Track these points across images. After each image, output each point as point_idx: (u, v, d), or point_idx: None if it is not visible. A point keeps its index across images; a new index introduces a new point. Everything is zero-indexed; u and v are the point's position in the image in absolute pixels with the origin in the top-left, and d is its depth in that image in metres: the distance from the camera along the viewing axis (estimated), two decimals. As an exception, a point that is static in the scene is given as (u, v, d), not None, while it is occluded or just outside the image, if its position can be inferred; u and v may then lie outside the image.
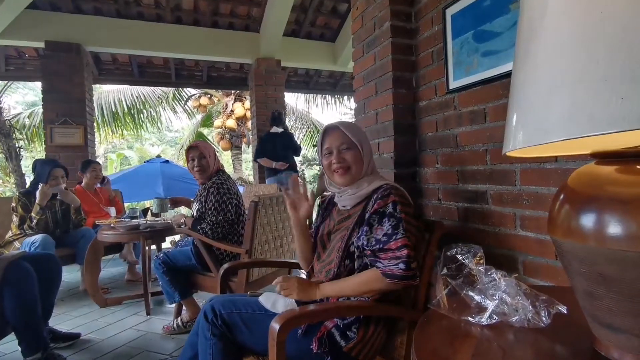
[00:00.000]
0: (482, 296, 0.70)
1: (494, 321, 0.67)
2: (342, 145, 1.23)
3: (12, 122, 6.99)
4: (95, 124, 5.25)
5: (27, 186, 6.44)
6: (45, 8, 4.19)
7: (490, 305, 0.67)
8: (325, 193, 1.68)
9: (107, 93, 8.36)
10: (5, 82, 6.61)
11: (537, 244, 1.18)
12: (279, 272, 2.33)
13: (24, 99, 15.23)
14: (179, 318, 2.24)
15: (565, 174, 1.08)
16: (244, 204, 2.40)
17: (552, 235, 0.60)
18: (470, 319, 0.68)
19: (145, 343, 2.11)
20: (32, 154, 10.30)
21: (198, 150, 2.25)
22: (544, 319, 0.65)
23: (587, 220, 0.53)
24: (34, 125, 7.62)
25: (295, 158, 4.61)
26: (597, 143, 0.62)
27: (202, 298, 2.56)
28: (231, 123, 8.21)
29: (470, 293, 0.71)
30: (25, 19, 3.97)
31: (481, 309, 0.70)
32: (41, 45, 4.21)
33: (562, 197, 0.60)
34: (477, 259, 0.72)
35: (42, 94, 4.25)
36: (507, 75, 1.25)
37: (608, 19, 0.45)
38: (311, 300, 1.16)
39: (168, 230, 2.68)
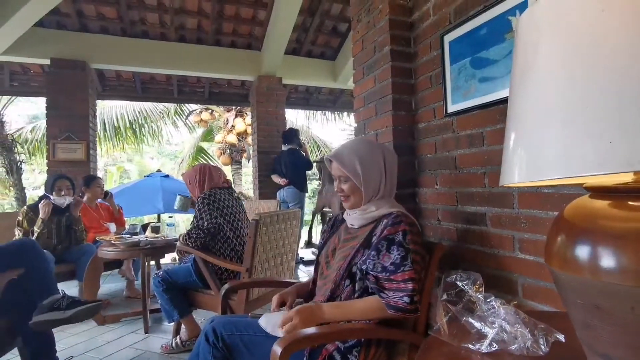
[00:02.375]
0: (482, 323, 0.71)
1: (493, 349, 0.68)
2: (340, 177, 1.27)
3: (14, 136, 7.04)
4: (97, 139, 5.30)
5: (27, 200, 6.44)
6: (52, 26, 4.29)
7: (490, 332, 0.68)
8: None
9: (109, 108, 8.45)
10: (9, 97, 6.69)
11: (536, 267, 1.20)
12: (277, 290, 2.32)
13: (25, 111, 15.36)
14: (177, 337, 2.23)
15: (563, 199, 1.11)
16: (246, 219, 2.42)
17: (549, 265, 0.62)
18: (470, 346, 0.69)
19: (144, 362, 2.09)
20: (32, 167, 10.34)
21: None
22: (543, 347, 0.66)
23: (582, 253, 0.55)
24: (36, 140, 7.67)
25: (307, 173, 4.75)
26: (590, 177, 0.64)
27: (200, 316, 2.55)
28: (232, 138, 8.28)
29: (470, 320, 0.72)
30: (32, 36, 4.05)
31: (481, 336, 0.71)
32: (47, 62, 4.29)
33: (558, 228, 0.62)
34: (477, 286, 0.73)
35: (46, 110, 4.30)
36: (504, 101, 1.29)
37: (597, 65, 0.48)
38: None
39: (168, 247, 2.68)
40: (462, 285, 0.76)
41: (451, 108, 1.55)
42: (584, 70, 0.49)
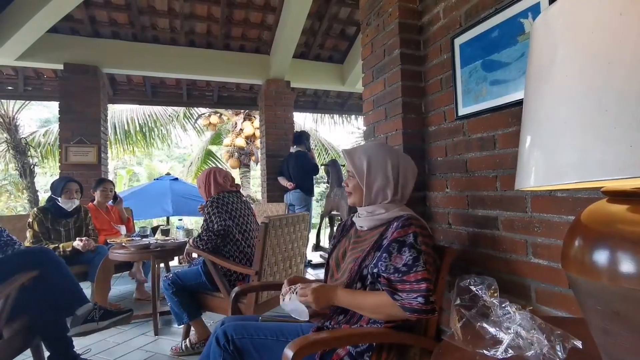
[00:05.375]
0: (497, 329, 0.70)
1: (509, 355, 0.67)
2: (349, 172, 1.29)
3: (27, 140, 7.17)
4: (108, 142, 5.37)
5: (39, 202, 6.55)
6: (65, 32, 4.37)
7: (506, 338, 0.67)
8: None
9: (120, 112, 8.58)
10: (23, 101, 6.83)
11: (550, 272, 1.18)
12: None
13: (38, 115, 15.65)
14: (187, 339, 2.24)
15: (578, 203, 1.09)
16: (254, 222, 2.43)
17: (567, 270, 0.61)
18: (485, 352, 0.69)
19: (154, 364, 2.10)
20: (44, 170, 10.52)
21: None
22: (560, 353, 0.66)
23: (601, 258, 0.55)
24: (49, 143, 7.81)
25: (314, 177, 4.76)
26: (609, 181, 0.64)
27: (210, 319, 2.56)
28: (240, 142, 8.34)
29: (485, 325, 0.72)
30: (46, 42, 4.13)
31: (496, 341, 0.70)
32: (60, 67, 4.37)
33: (575, 233, 0.61)
34: (492, 291, 0.72)
35: (59, 114, 4.38)
36: (517, 104, 1.28)
37: (616, 69, 0.47)
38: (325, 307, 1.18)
39: (178, 249, 2.70)
40: (476, 290, 0.75)
41: (462, 111, 1.54)
42: (602, 74, 0.48)
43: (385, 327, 1.12)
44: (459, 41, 1.54)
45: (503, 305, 0.70)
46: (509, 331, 0.68)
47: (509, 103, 1.31)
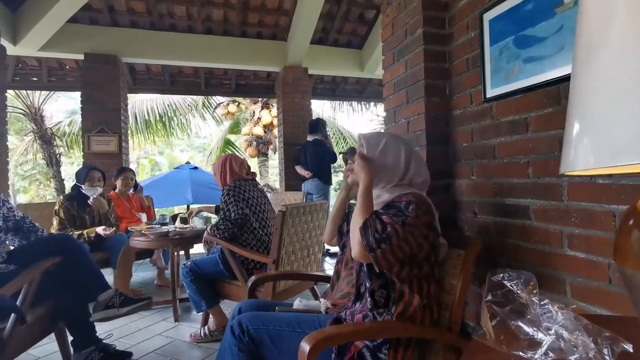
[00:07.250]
0: (535, 329, 0.63)
1: (549, 358, 0.60)
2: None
3: (53, 130, 7.38)
4: (129, 132, 5.45)
5: (65, 191, 6.77)
6: (85, 22, 4.41)
7: (546, 340, 0.60)
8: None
9: (140, 102, 8.71)
10: (47, 92, 7.01)
11: (588, 266, 1.09)
12: (304, 283, 2.30)
13: (65, 107, 16.10)
14: (206, 326, 2.25)
15: (621, 190, 1.00)
16: (271, 210, 2.41)
17: (620, 265, 0.53)
18: (521, 354, 0.62)
19: (174, 350, 2.12)
20: (70, 159, 10.86)
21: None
22: (608, 358, 0.58)
23: (666, 253, 0.47)
24: (73, 133, 8.03)
25: (332, 165, 4.68)
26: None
27: (228, 307, 2.56)
28: (258, 130, 8.35)
29: (521, 324, 0.65)
30: (66, 32, 4.17)
31: (532, 342, 0.63)
32: (80, 57, 4.42)
33: (631, 223, 0.53)
34: (530, 287, 0.65)
35: (81, 104, 4.45)
36: (553, 82, 1.17)
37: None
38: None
39: (196, 237, 2.71)
40: (511, 286, 0.68)
41: (490, 92, 1.43)
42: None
43: (396, 318, 1.07)
44: (488, 16, 1.43)
45: (542, 303, 0.63)
46: (550, 332, 0.61)
47: (544, 82, 1.20)
